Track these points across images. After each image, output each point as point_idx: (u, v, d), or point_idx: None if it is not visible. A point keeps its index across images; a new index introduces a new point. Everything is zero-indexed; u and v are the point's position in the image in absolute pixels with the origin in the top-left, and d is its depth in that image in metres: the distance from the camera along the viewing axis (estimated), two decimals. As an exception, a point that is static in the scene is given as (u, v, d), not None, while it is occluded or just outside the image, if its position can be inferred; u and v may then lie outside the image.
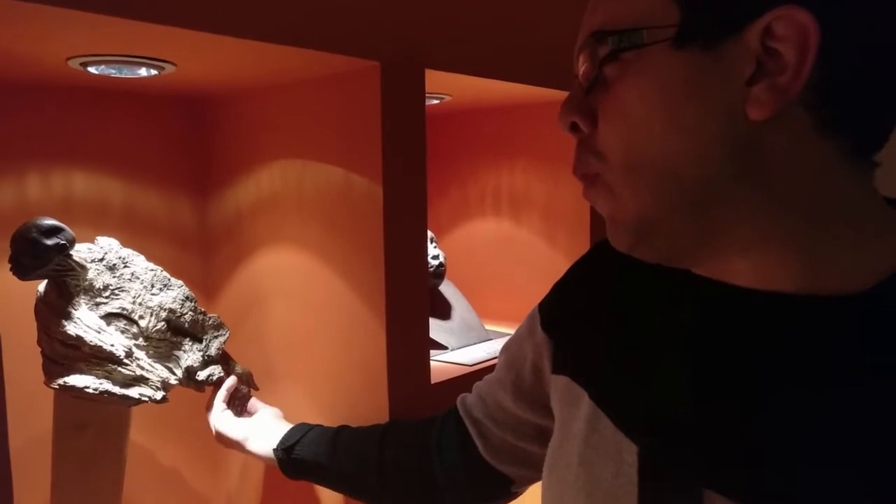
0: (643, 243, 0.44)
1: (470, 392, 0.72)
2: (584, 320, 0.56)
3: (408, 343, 0.86)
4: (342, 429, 0.78)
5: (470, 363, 0.99)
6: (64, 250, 0.70)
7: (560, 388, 0.56)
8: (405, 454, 0.72)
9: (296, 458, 0.75)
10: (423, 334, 0.89)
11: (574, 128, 0.46)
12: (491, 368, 0.99)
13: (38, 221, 0.69)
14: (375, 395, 0.84)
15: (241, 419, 0.83)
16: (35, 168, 0.87)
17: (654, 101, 0.40)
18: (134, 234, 0.91)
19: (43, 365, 0.73)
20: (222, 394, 0.83)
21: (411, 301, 0.87)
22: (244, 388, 0.89)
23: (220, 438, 0.82)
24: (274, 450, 0.77)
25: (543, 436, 0.59)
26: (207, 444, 0.87)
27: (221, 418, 0.82)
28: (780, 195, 0.39)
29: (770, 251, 0.40)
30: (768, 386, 0.40)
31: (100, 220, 0.92)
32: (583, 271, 0.61)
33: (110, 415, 0.77)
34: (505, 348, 0.68)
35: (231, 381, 0.84)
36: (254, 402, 0.87)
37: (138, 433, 0.96)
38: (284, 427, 0.79)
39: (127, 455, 0.80)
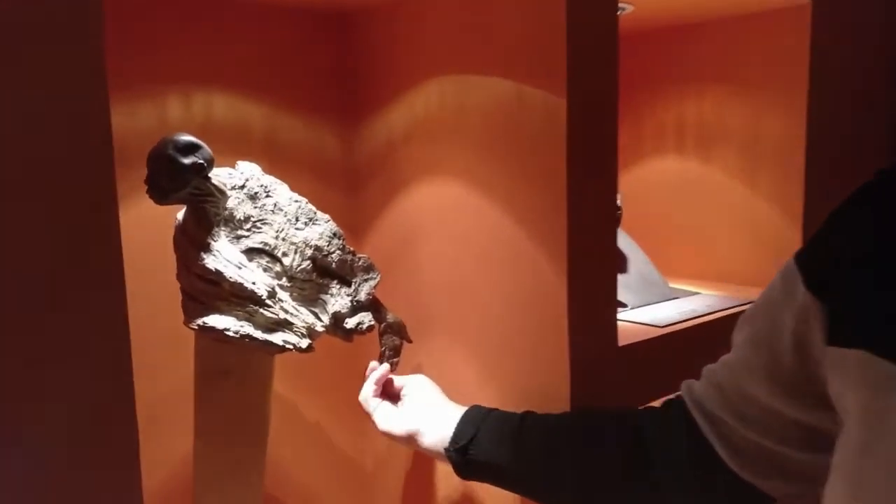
0: None
1: (692, 376, 0.55)
2: (876, 272, 0.40)
3: (593, 296, 0.70)
4: (525, 420, 0.63)
5: (660, 324, 0.81)
6: (202, 171, 0.60)
7: (851, 365, 0.39)
8: (613, 460, 0.57)
9: (472, 459, 0.63)
10: (611, 286, 0.72)
11: None
12: (688, 333, 0.80)
13: (175, 137, 0.59)
14: (553, 358, 0.69)
15: (399, 410, 0.72)
16: (174, 91, 0.79)
17: None
18: (274, 163, 0.81)
19: (182, 302, 0.65)
20: (371, 386, 0.72)
21: (597, 246, 0.70)
22: (396, 339, 0.77)
23: (382, 433, 0.72)
24: (446, 450, 0.64)
25: (817, 437, 0.44)
26: (354, 400, 0.77)
27: (379, 414, 0.71)
28: None
29: None
30: None
31: (239, 148, 0.83)
32: (864, 209, 0.43)
33: (253, 361, 0.67)
34: (746, 320, 0.51)
35: (380, 371, 0.73)
36: (395, 379, 0.76)
37: (279, 382, 0.88)
38: (452, 414, 0.66)
39: (271, 404, 0.72)
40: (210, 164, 0.61)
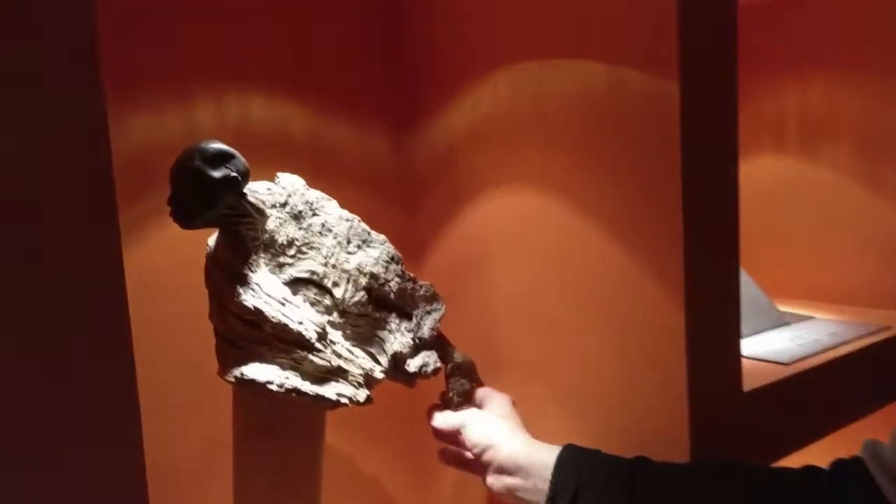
0: None
1: (830, 423, 0.43)
2: None
3: (714, 329, 0.56)
4: (639, 467, 0.50)
5: (785, 360, 0.66)
6: (235, 186, 0.48)
7: None
8: None
9: None
10: (734, 319, 0.59)
11: None
12: (819, 371, 0.66)
13: (202, 145, 0.48)
14: (667, 405, 0.55)
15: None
16: (204, 92, 0.68)
17: None
18: (318, 175, 0.69)
19: (217, 347, 0.53)
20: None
21: (720, 267, 0.57)
22: (466, 384, 0.64)
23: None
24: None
25: None
26: (414, 451, 0.65)
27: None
28: None
29: None
30: None
31: (279, 157, 0.71)
32: None
33: (304, 417, 0.56)
34: None
35: (444, 420, 0.61)
36: (482, 393, 0.63)
37: (331, 433, 0.76)
38: (546, 457, 0.53)
39: (324, 462, 0.60)
40: (245, 177, 0.50)
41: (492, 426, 0.59)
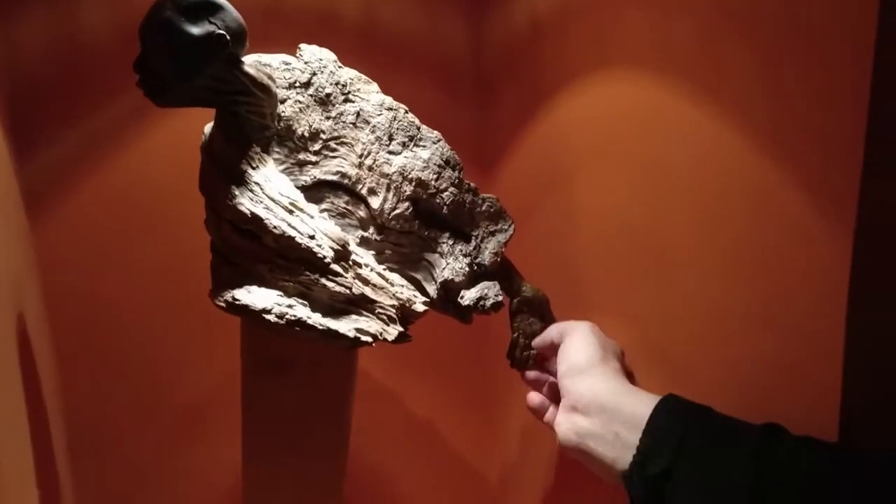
0: None
1: None
2: None
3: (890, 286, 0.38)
4: (775, 436, 0.35)
5: None
6: (221, 47, 0.36)
7: None
8: None
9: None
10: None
11: None
12: None
13: (178, -10, 0.35)
14: (810, 383, 0.39)
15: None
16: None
17: None
18: (369, 57, 0.55)
19: (211, 263, 0.42)
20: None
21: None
22: (535, 323, 0.51)
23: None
24: (624, 475, 0.37)
25: None
26: (476, 393, 0.53)
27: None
28: None
29: None
30: None
31: (321, 34, 0.58)
32: None
33: (323, 353, 0.44)
34: None
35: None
36: (560, 327, 0.49)
37: (377, 367, 0.65)
38: (639, 403, 0.39)
39: (354, 404, 0.49)
40: (238, 38, 0.37)
41: (587, 347, 0.44)
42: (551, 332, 0.49)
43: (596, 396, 0.40)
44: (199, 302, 0.45)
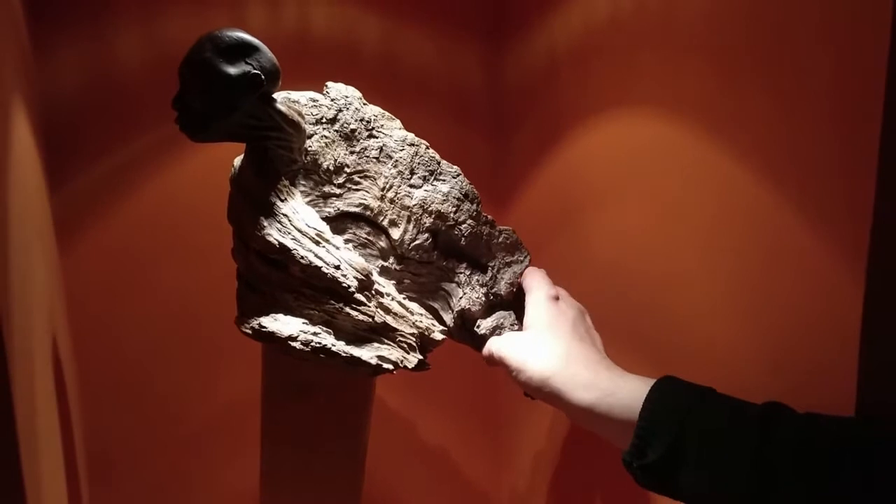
0: None
1: None
2: None
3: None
4: (779, 413, 0.35)
5: None
6: (256, 86, 0.38)
7: None
8: None
9: (679, 479, 0.36)
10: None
11: None
12: None
13: (217, 33, 0.37)
14: (822, 394, 0.40)
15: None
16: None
17: None
18: (389, 94, 0.58)
19: (238, 291, 0.44)
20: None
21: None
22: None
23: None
24: (625, 458, 0.37)
25: None
26: (487, 419, 0.53)
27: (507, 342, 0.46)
28: None
29: None
30: None
31: (343, 71, 0.60)
32: None
33: (343, 380, 0.46)
34: None
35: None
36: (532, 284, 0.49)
37: (391, 394, 0.66)
38: (633, 385, 0.39)
39: (369, 429, 0.50)
40: (272, 77, 0.39)
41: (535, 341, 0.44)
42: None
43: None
44: (222, 328, 0.47)
